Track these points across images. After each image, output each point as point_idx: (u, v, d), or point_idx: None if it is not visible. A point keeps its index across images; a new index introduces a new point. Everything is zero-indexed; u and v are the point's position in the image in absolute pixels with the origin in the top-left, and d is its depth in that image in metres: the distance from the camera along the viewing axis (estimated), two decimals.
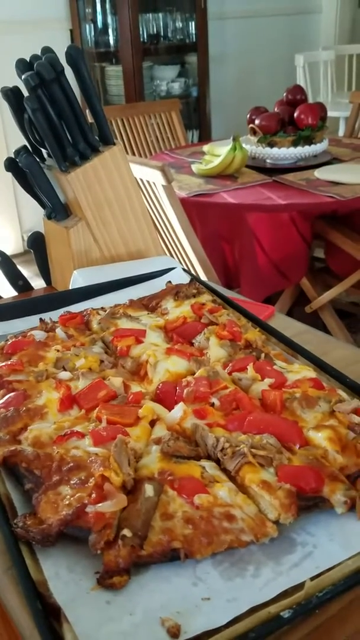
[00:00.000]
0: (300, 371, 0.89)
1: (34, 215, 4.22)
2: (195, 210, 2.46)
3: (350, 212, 2.47)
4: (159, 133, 3.78)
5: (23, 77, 1.20)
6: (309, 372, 0.89)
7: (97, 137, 1.32)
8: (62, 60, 1.24)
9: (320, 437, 0.75)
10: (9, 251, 1.51)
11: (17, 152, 1.33)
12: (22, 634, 0.60)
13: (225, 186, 2.57)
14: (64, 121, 1.26)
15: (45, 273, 1.50)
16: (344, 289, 2.72)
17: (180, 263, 1.28)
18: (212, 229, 2.51)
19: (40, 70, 1.19)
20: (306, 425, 0.78)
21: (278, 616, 0.56)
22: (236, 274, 2.56)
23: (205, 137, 4.82)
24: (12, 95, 1.30)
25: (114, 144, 1.33)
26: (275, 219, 2.44)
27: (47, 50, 1.26)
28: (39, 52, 1.26)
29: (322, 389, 0.85)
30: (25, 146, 1.34)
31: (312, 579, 0.60)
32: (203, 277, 2.31)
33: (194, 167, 2.79)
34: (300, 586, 0.59)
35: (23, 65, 1.26)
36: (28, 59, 1.26)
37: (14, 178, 1.42)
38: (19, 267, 1.53)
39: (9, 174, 1.39)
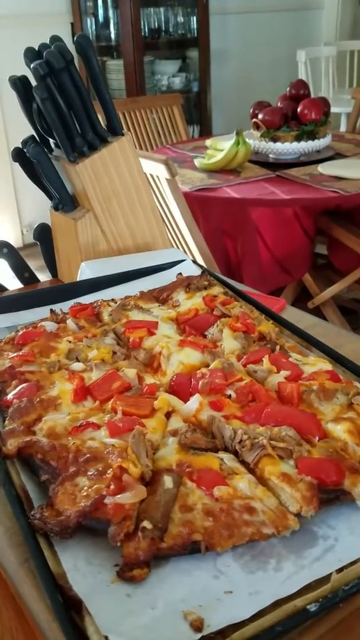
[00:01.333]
0: (316, 363, 0.88)
1: (34, 209, 4.23)
2: (198, 205, 2.44)
3: (354, 208, 2.46)
4: (160, 127, 3.77)
5: (32, 65, 1.19)
6: (325, 365, 0.88)
7: (105, 128, 1.30)
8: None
9: (339, 430, 0.74)
10: None
11: (25, 142, 1.31)
12: (40, 628, 0.59)
13: (228, 181, 2.56)
14: (72, 111, 1.24)
15: (51, 265, 1.49)
16: (346, 285, 2.72)
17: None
18: (214, 223, 2.49)
19: (50, 59, 1.18)
20: (324, 418, 0.77)
21: (304, 609, 0.55)
22: (238, 269, 2.55)
23: (206, 132, 4.81)
24: (21, 85, 1.28)
25: (123, 134, 1.31)
26: (279, 214, 2.43)
27: (56, 39, 1.24)
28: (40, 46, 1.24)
29: (339, 381, 0.84)
30: (32, 136, 1.32)
31: (337, 571, 0.59)
32: None
33: (197, 162, 2.77)
34: (324, 579, 0.58)
35: (32, 54, 1.24)
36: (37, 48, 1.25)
37: (14, 171, 1.41)
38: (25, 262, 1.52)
39: (9, 169, 1.38)
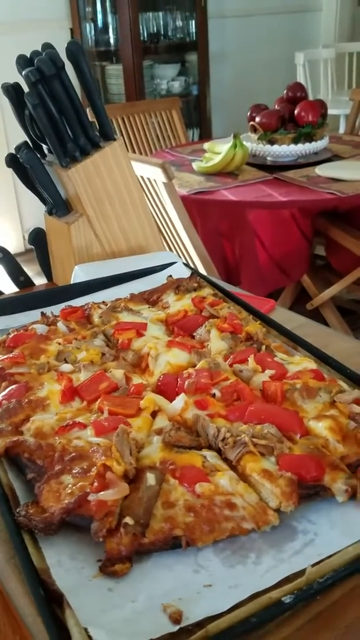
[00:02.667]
0: (301, 363, 0.89)
1: (35, 214, 4.22)
2: (196, 208, 2.46)
3: (351, 209, 2.48)
4: (159, 131, 3.79)
5: (24, 72, 1.21)
6: (310, 364, 0.89)
7: (97, 133, 1.32)
8: (63, 58, 1.24)
9: (320, 427, 0.76)
10: (10, 250, 1.52)
11: (18, 148, 1.33)
12: (24, 622, 0.61)
13: (226, 183, 2.57)
14: (64, 117, 1.26)
15: (46, 269, 1.50)
16: (344, 286, 2.73)
17: (181, 260, 1.30)
18: (212, 226, 2.51)
19: (40, 66, 1.19)
20: (307, 416, 0.79)
21: (279, 601, 0.57)
22: (237, 271, 2.56)
23: (206, 135, 4.83)
24: (13, 91, 1.30)
25: (115, 139, 1.33)
26: (276, 216, 2.44)
27: (47, 46, 1.26)
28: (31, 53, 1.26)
29: (323, 380, 0.85)
30: (26, 142, 1.34)
31: (313, 565, 0.60)
32: (204, 273, 2.31)
33: (195, 165, 2.79)
34: (301, 572, 0.60)
35: (24, 61, 1.26)
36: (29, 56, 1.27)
37: (14, 176, 1.43)
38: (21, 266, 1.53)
39: (10, 174, 1.40)
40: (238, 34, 5.20)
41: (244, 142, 2.72)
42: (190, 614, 0.57)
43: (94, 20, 4.50)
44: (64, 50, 1.25)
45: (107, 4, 4.44)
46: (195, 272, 1.23)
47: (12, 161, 1.38)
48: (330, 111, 3.17)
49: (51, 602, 0.58)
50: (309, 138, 2.76)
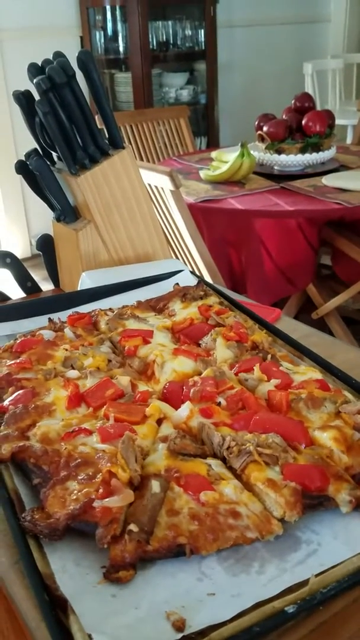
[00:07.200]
0: (306, 372, 0.90)
1: (43, 220, 4.26)
2: (203, 216, 2.47)
3: (358, 219, 2.48)
4: (167, 139, 3.81)
5: (35, 80, 1.22)
6: (315, 374, 0.89)
7: (106, 141, 1.33)
8: (73, 66, 1.25)
9: (325, 437, 0.76)
10: (17, 255, 1.53)
11: (28, 155, 1.34)
12: (28, 626, 0.61)
13: (233, 192, 2.58)
14: (74, 125, 1.27)
15: (53, 275, 1.51)
16: (350, 295, 2.73)
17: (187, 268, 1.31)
18: (219, 234, 2.52)
19: (51, 74, 1.21)
20: (312, 426, 0.79)
21: (282, 611, 0.57)
22: (242, 280, 2.57)
23: (213, 144, 4.85)
24: (24, 99, 1.31)
25: (124, 147, 1.34)
26: (283, 225, 2.45)
27: (58, 54, 1.27)
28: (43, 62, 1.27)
29: (328, 390, 0.85)
30: (35, 149, 1.35)
31: (316, 575, 0.60)
32: (210, 281, 2.31)
33: (202, 173, 2.80)
34: (304, 582, 0.60)
35: (35, 70, 1.28)
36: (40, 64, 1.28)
37: (22, 183, 1.44)
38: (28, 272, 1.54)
39: (18, 180, 1.41)
40: (247, 43, 5.23)
41: (252, 151, 2.73)
42: (193, 622, 0.57)
43: (104, 28, 4.53)
44: (74, 58, 1.26)
45: (117, 12, 4.48)
46: (201, 280, 1.23)
47: (22, 168, 1.39)
48: (337, 121, 3.19)
49: (55, 607, 0.58)
50: (317, 148, 2.77)
